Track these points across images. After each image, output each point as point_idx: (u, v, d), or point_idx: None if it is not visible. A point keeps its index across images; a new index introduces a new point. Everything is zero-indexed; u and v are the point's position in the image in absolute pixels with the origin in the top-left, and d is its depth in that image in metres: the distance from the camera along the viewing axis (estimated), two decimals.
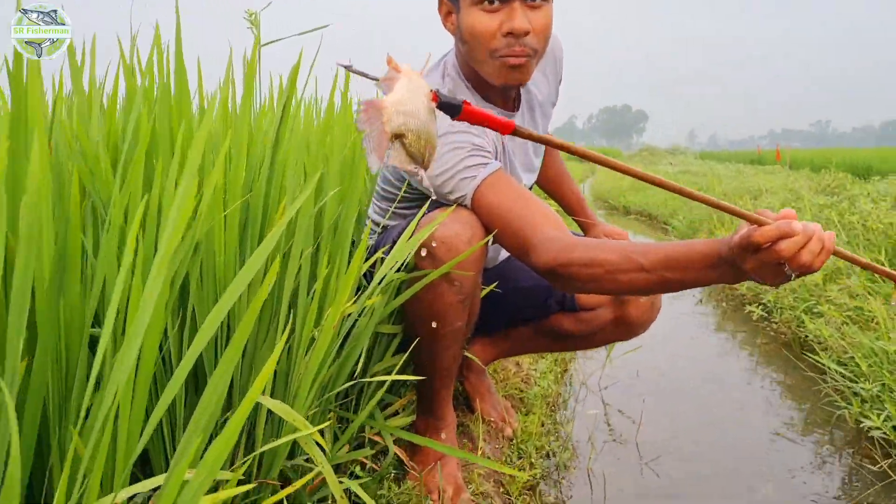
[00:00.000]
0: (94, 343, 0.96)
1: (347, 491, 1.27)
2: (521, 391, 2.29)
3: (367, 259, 1.47)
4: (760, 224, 1.01)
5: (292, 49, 1.30)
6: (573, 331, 1.84)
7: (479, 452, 1.77)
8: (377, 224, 1.66)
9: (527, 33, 1.40)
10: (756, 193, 7.09)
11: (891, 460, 1.94)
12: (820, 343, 2.87)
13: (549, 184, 2.06)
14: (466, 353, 1.81)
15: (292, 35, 1.48)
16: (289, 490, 0.92)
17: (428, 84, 0.90)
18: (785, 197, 6.17)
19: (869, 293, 3.00)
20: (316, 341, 1.16)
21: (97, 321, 1.06)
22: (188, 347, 0.91)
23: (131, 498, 0.98)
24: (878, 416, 2.05)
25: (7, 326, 0.81)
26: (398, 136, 0.87)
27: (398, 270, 1.41)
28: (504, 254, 1.82)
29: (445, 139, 1.38)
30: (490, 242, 1.41)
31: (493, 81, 1.46)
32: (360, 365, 1.37)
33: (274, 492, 1.14)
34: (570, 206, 2.08)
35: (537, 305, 1.83)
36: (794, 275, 1.02)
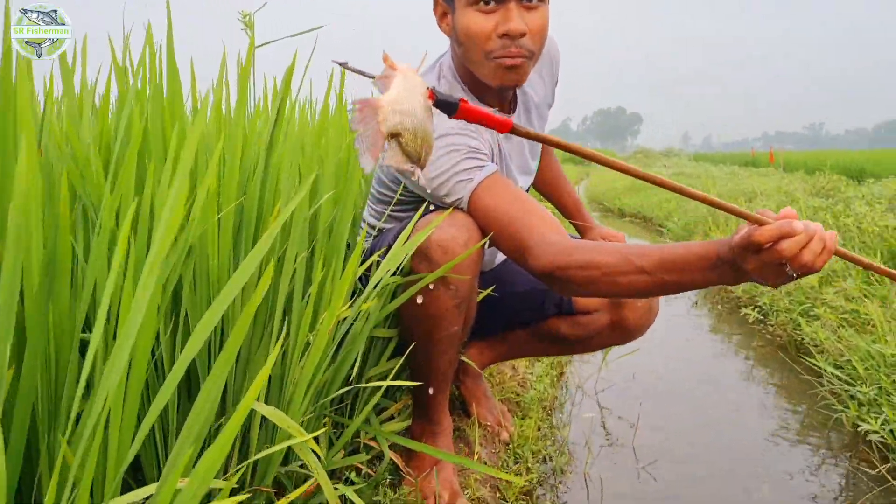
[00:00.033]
0: (85, 348, 0.94)
1: (342, 497, 1.25)
2: (518, 395, 2.28)
3: (362, 262, 1.45)
4: (761, 223, 1.00)
5: (288, 50, 1.29)
6: (570, 335, 1.82)
7: (476, 457, 1.76)
8: (373, 227, 1.64)
9: (523, 35, 1.39)
10: (751, 196, 7.10)
11: (889, 464, 1.93)
12: (816, 346, 2.87)
13: (546, 186, 2.05)
14: (462, 358, 1.79)
15: (287, 36, 1.47)
16: (284, 502, 0.91)
17: (424, 82, 0.89)
18: (780, 199, 6.18)
19: (865, 296, 3.00)
20: (311, 346, 1.15)
21: (88, 326, 1.04)
22: (181, 353, 0.90)
23: None
24: (876, 419, 2.04)
25: None
26: (394, 136, 0.86)
27: (394, 274, 1.39)
28: (500, 257, 1.81)
29: (441, 142, 1.36)
30: (486, 245, 1.40)
31: (489, 82, 1.45)
32: (355, 369, 1.35)
33: (268, 500, 1.13)
34: (566, 209, 2.07)
35: (534, 309, 1.82)
36: (795, 275, 1.01)
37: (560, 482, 1.88)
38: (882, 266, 1.13)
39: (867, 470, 1.95)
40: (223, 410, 1.15)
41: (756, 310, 3.67)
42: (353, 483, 1.43)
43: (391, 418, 1.67)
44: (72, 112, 1.10)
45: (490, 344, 1.94)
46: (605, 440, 2.19)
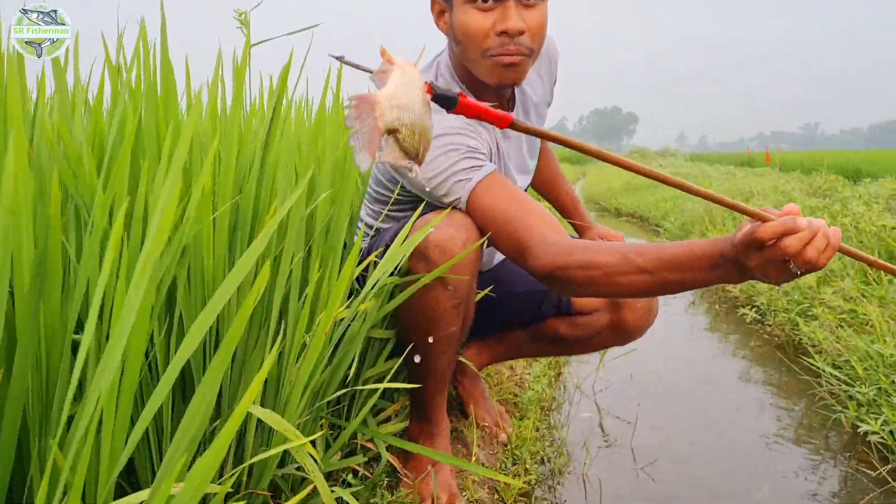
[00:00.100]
0: (77, 350, 0.93)
1: (340, 500, 1.23)
2: (516, 395, 2.27)
3: (359, 262, 1.44)
4: (764, 220, 0.99)
5: (286, 49, 1.27)
6: (568, 335, 1.81)
7: (474, 458, 1.74)
8: (370, 227, 1.63)
9: (521, 33, 1.37)
10: (747, 196, 7.10)
11: (890, 465, 1.92)
12: (814, 346, 2.86)
13: (544, 185, 2.04)
14: (460, 358, 1.78)
15: (284, 35, 1.45)
16: None
17: (423, 76, 0.87)
18: (777, 199, 6.18)
19: (863, 295, 2.99)
20: (307, 347, 1.13)
21: (81, 327, 1.03)
22: (176, 354, 0.88)
23: None
24: (875, 420, 2.03)
25: None
26: (392, 132, 0.84)
27: (391, 274, 1.38)
28: (499, 257, 1.79)
29: (439, 141, 1.35)
30: (485, 246, 1.38)
31: (487, 81, 1.43)
32: (352, 370, 1.34)
33: (264, 503, 1.11)
34: (564, 208, 2.05)
35: (532, 309, 1.81)
36: (799, 272, 1.00)
37: (558, 483, 1.87)
38: (887, 263, 1.11)
39: (866, 471, 1.95)
40: (218, 413, 1.14)
41: (754, 309, 3.67)
42: (350, 485, 1.42)
43: (388, 419, 1.65)
44: (64, 110, 1.08)
45: (488, 344, 1.93)
46: (604, 441, 2.17)
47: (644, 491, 1.86)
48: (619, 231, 1.99)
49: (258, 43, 1.41)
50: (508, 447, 1.89)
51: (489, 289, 1.64)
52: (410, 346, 1.44)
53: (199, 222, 1.05)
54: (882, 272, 3.06)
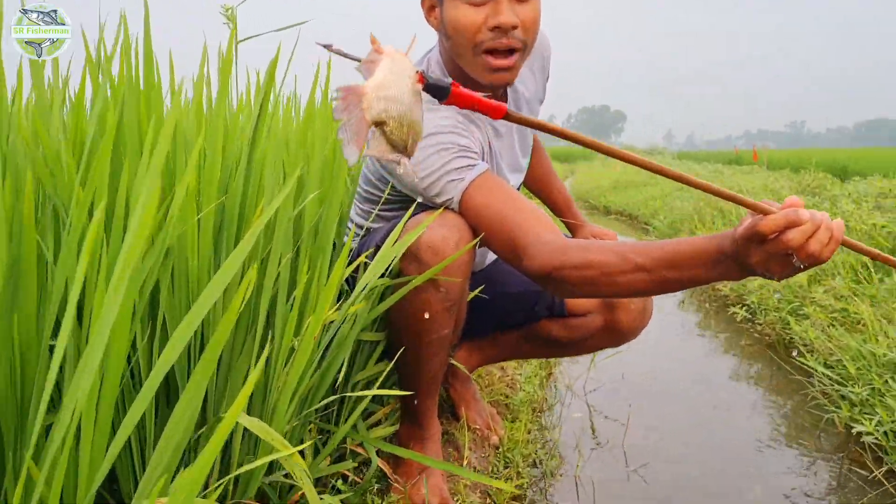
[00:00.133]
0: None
1: None
2: (507, 397, 2.24)
3: (349, 263, 1.40)
4: (766, 213, 0.96)
5: (284, 47, 1.24)
6: (562, 337, 1.78)
7: (465, 462, 1.72)
8: (360, 227, 1.59)
9: (514, 27, 1.35)
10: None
11: (885, 468, 1.90)
12: (806, 345, 2.85)
13: (536, 183, 2.01)
14: (452, 361, 1.75)
15: (271, 31, 1.42)
16: None
17: (413, 65, 0.84)
18: (766, 197, 6.17)
19: (854, 294, 2.98)
20: (296, 352, 1.10)
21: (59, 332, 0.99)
22: (159, 359, 0.84)
23: None
24: (869, 420, 2.02)
25: None
26: (379, 124, 0.80)
27: (382, 276, 1.34)
28: (491, 257, 1.76)
29: (431, 140, 1.32)
30: (478, 246, 1.35)
31: (479, 79, 1.40)
32: (341, 374, 1.31)
33: None
34: (556, 206, 2.03)
35: (525, 310, 1.78)
36: (802, 266, 0.97)
37: (551, 486, 1.84)
38: (889, 256, 1.09)
39: (859, 471, 1.93)
40: (204, 419, 1.10)
41: (744, 308, 3.66)
42: (339, 491, 1.38)
43: (378, 423, 1.62)
44: (41, 106, 1.04)
45: (480, 346, 1.90)
46: (596, 442, 2.15)
47: (637, 492, 1.84)
48: (609, 229, 1.97)
49: (245, 39, 1.37)
50: (500, 450, 1.86)
51: (480, 288, 1.61)
52: (402, 350, 1.41)
53: (184, 222, 1.01)
54: (873, 272, 3.06)
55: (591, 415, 2.37)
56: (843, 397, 2.30)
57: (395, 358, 1.41)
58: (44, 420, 0.80)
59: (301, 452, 1.29)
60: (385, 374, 1.44)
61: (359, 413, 1.31)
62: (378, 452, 1.47)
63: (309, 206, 1.30)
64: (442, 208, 1.35)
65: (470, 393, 1.93)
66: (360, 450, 1.47)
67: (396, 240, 1.31)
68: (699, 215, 6.25)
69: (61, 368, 0.93)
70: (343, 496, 1.32)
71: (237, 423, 1.07)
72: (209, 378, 0.87)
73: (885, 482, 1.84)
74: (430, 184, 1.33)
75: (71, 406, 0.78)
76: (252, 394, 1.14)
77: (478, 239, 1.32)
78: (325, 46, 0.89)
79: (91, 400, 0.80)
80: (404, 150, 0.82)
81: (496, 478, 1.74)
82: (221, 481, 0.90)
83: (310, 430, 1.39)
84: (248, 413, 1.11)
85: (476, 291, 1.60)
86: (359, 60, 0.83)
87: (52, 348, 0.88)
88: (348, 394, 1.26)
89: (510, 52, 1.38)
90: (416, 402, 1.50)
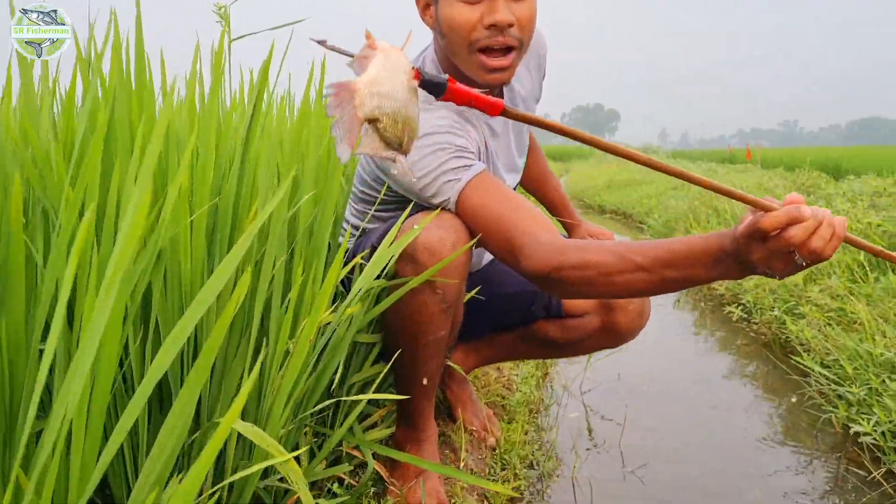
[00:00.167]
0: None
1: None
2: (503, 398, 2.23)
3: (344, 265, 1.38)
4: (767, 209, 0.95)
5: (279, 46, 1.24)
6: (559, 338, 1.77)
7: (462, 464, 1.70)
8: (356, 228, 1.58)
9: (511, 25, 1.33)
10: None
11: (884, 469, 1.90)
12: (802, 344, 2.84)
13: (532, 183, 2.00)
14: (448, 362, 1.73)
15: (265, 30, 1.40)
16: None
17: (409, 61, 0.82)
18: (761, 196, 6.17)
19: (850, 293, 2.98)
20: (291, 355, 1.08)
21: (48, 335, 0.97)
22: (152, 363, 0.83)
23: None
24: (867, 420, 2.01)
25: None
26: (372, 121, 0.79)
27: (378, 277, 1.33)
28: (488, 257, 1.75)
29: (427, 140, 1.30)
30: (474, 246, 1.34)
31: (475, 77, 1.39)
32: (337, 376, 1.29)
33: None
34: (553, 206, 2.01)
35: (522, 311, 1.76)
36: (805, 263, 0.96)
37: (548, 487, 1.83)
38: (893, 253, 1.07)
39: (857, 471, 1.93)
40: (197, 424, 1.08)
41: (740, 307, 3.65)
42: (335, 495, 1.37)
43: (375, 425, 1.60)
44: (30, 107, 1.02)
45: (476, 347, 1.88)
46: (593, 443, 2.14)
47: (634, 492, 1.84)
48: (606, 229, 1.96)
49: (239, 37, 1.36)
50: (497, 451, 1.85)
51: (476, 289, 1.60)
52: (398, 352, 1.39)
53: (176, 225, 0.99)
54: (868, 271, 3.05)
55: (587, 415, 2.36)
56: (839, 397, 2.29)
57: (392, 360, 1.39)
58: (33, 426, 0.78)
59: (296, 457, 1.27)
60: (381, 376, 1.43)
61: (355, 416, 1.29)
62: (374, 455, 1.46)
63: (304, 206, 1.28)
64: (438, 209, 1.33)
65: (466, 394, 1.92)
66: (356, 453, 1.45)
67: (392, 241, 1.29)
68: (694, 214, 6.24)
69: (51, 372, 0.92)
70: (339, 500, 1.31)
71: (232, 429, 1.05)
72: (203, 387, 0.85)
73: (884, 483, 1.83)
74: (426, 184, 1.31)
75: (61, 411, 0.76)
76: (248, 397, 1.12)
77: (475, 240, 1.31)
78: (319, 42, 0.87)
79: (82, 405, 0.78)
80: (399, 147, 0.80)
81: (493, 480, 1.73)
82: (216, 488, 0.89)
83: (305, 434, 1.37)
84: (243, 417, 1.10)
85: (473, 292, 1.58)
86: (353, 56, 0.81)
87: (42, 353, 0.86)
88: (344, 398, 1.25)
89: (506, 50, 1.37)
90: (412, 404, 1.48)
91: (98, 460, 0.81)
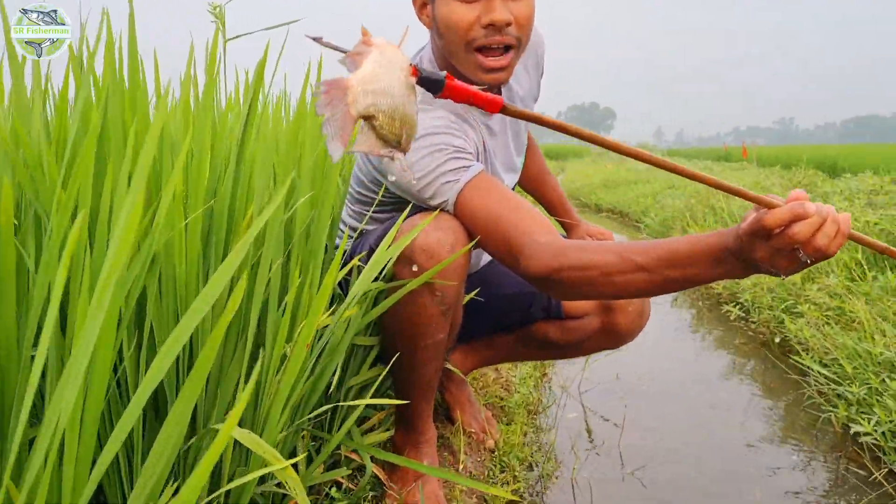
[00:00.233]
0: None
1: None
2: (502, 399, 2.22)
3: (341, 267, 1.37)
4: (771, 206, 0.94)
5: (276, 46, 1.21)
6: (558, 339, 1.75)
7: (461, 466, 1.69)
8: (354, 229, 1.56)
9: (508, 24, 1.32)
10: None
11: (885, 469, 1.89)
12: (801, 344, 2.83)
13: (530, 182, 1.98)
14: (447, 365, 1.72)
15: (260, 30, 1.39)
16: None
17: (406, 57, 0.80)
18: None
19: (849, 292, 2.97)
20: (288, 359, 1.06)
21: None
22: (146, 371, 0.81)
23: None
24: (867, 420, 2.00)
25: None
26: (367, 119, 0.77)
27: (376, 279, 1.31)
28: (486, 258, 1.73)
29: (425, 141, 1.29)
30: (472, 248, 1.32)
31: (473, 77, 1.37)
32: (335, 379, 1.27)
33: None
34: (551, 205, 2.00)
35: (521, 312, 1.75)
36: (809, 261, 0.94)
37: (547, 489, 1.82)
38: None
39: (858, 471, 1.92)
40: (193, 430, 1.07)
41: (737, 307, 3.64)
42: (333, 499, 1.35)
43: (373, 428, 1.59)
44: (21, 108, 1.00)
45: (474, 348, 1.87)
46: (592, 444, 2.13)
47: (634, 493, 1.83)
48: (605, 229, 1.94)
49: (234, 37, 1.34)
50: (496, 453, 1.83)
51: (476, 291, 1.58)
52: (397, 356, 1.37)
53: (171, 228, 0.98)
54: (866, 269, 3.04)
55: (586, 416, 2.35)
56: (839, 396, 2.28)
57: (390, 364, 1.38)
58: (24, 435, 0.77)
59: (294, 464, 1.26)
60: (380, 379, 1.41)
61: (353, 420, 1.27)
62: (373, 458, 1.44)
63: (300, 208, 1.27)
64: (437, 210, 1.32)
65: (465, 396, 1.90)
66: (354, 456, 1.44)
67: (391, 243, 1.28)
68: (691, 213, 6.23)
69: (44, 377, 0.90)
70: None
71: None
72: (199, 394, 0.84)
73: (885, 483, 1.82)
74: (424, 186, 1.30)
75: (54, 419, 0.75)
76: None
77: (473, 242, 1.29)
78: (314, 39, 0.85)
79: (75, 413, 0.77)
80: (398, 145, 0.79)
81: (492, 482, 1.72)
82: (212, 496, 0.87)
83: (302, 437, 1.35)
84: (240, 423, 1.08)
85: (472, 295, 1.56)
86: (345, 51, 0.79)
87: (33, 359, 0.84)
88: (342, 403, 1.23)
89: (504, 49, 1.35)
90: (411, 407, 1.47)
91: (92, 470, 0.80)
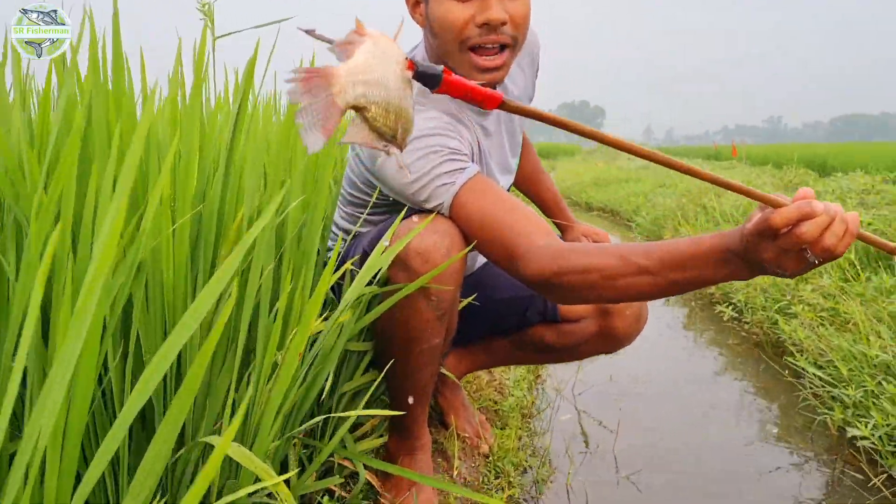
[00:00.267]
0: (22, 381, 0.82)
1: None
2: (496, 403, 2.19)
3: (335, 271, 1.34)
4: (778, 206, 0.91)
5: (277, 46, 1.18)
6: (555, 343, 1.73)
7: (455, 472, 1.66)
8: (347, 232, 1.53)
9: (504, 23, 1.29)
10: (719, 190, 7.08)
11: (884, 474, 1.87)
12: (795, 345, 2.82)
13: (525, 182, 1.95)
14: (441, 370, 1.69)
15: (249, 28, 1.35)
16: None
17: (401, 50, 0.77)
18: None
19: (843, 292, 2.96)
20: (279, 367, 1.03)
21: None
22: (132, 384, 0.78)
23: None
24: (863, 423, 1.98)
25: None
26: (358, 110, 0.73)
27: (370, 283, 1.28)
28: (481, 260, 1.70)
29: (419, 143, 1.26)
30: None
31: (468, 77, 1.34)
32: (327, 386, 1.24)
33: None
34: (546, 206, 1.97)
35: (517, 315, 1.72)
36: (817, 261, 0.92)
37: (543, 494, 1.79)
38: None
39: (855, 475, 1.90)
40: (181, 442, 1.03)
41: (731, 307, 3.63)
42: None
43: (366, 434, 1.56)
44: (1, 109, 0.96)
45: (469, 352, 1.84)
46: (587, 447, 2.11)
47: (629, 497, 1.81)
48: (601, 230, 1.92)
49: (223, 35, 1.31)
50: (490, 459, 1.81)
51: (472, 297, 1.55)
52: (392, 361, 1.34)
53: (157, 233, 0.94)
54: (860, 270, 3.03)
55: (580, 418, 2.33)
56: (834, 398, 2.27)
57: (385, 371, 1.35)
58: (3, 450, 0.73)
59: (286, 468, 1.23)
60: (374, 385, 1.38)
61: (345, 429, 1.24)
62: (366, 465, 1.41)
63: (292, 212, 1.23)
64: (433, 213, 1.29)
65: (459, 400, 1.88)
66: (347, 463, 1.41)
67: (385, 248, 1.25)
68: (682, 212, 6.23)
69: (24, 385, 0.86)
70: None
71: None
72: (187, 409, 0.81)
73: (884, 489, 1.81)
74: (418, 188, 1.27)
75: (35, 433, 0.71)
76: (233, 413, 1.07)
77: (471, 247, 1.26)
78: (307, 32, 0.81)
79: (57, 427, 0.73)
80: (393, 139, 0.75)
81: (487, 488, 1.69)
82: None
83: (294, 445, 1.32)
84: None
85: (469, 299, 1.53)
86: (332, 42, 0.75)
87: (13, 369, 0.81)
88: (334, 414, 1.20)
89: (500, 49, 1.33)
90: (406, 412, 1.44)
91: (76, 488, 0.76)
